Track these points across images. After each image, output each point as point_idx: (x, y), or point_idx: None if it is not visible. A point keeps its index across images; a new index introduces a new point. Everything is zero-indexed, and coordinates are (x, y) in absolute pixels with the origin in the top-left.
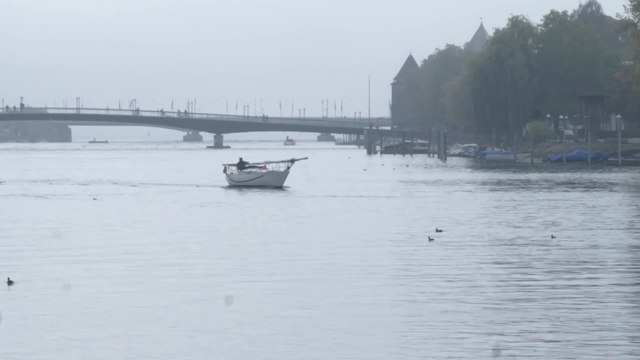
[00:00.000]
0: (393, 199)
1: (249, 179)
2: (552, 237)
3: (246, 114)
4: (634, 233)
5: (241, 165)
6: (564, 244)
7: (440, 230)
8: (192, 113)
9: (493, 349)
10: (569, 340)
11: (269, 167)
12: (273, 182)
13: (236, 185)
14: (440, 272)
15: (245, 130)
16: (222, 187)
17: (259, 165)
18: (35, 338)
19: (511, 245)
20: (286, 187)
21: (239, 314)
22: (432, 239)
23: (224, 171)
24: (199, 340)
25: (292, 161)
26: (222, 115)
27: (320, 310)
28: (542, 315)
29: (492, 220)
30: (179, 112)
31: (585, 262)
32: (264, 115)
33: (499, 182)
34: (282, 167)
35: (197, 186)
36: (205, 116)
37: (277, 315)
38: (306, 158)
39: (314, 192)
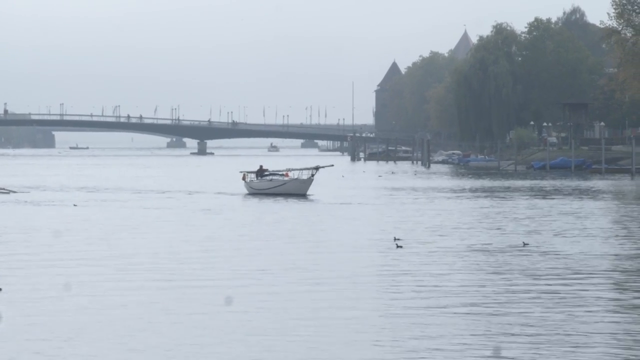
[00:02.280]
0: (374, 206)
1: (270, 186)
2: (524, 244)
3: (230, 121)
4: (609, 241)
5: (260, 172)
6: (534, 251)
7: (399, 239)
8: (147, 118)
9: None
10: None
11: (291, 174)
12: (296, 189)
13: (256, 193)
14: (404, 279)
15: (229, 137)
16: (242, 195)
17: (280, 173)
18: (14, 344)
19: (481, 252)
20: (309, 195)
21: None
22: (401, 246)
23: (243, 178)
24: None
25: (317, 168)
26: (201, 121)
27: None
28: (513, 323)
29: (466, 226)
30: (129, 116)
31: (553, 268)
32: (233, 121)
33: (480, 190)
34: (304, 175)
35: (219, 193)
36: (189, 122)
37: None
38: (332, 165)
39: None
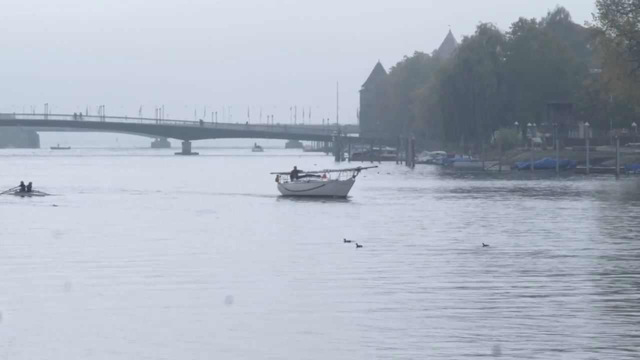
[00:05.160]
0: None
1: (308, 188)
2: (484, 245)
3: (215, 121)
4: (575, 241)
5: (295, 173)
6: (492, 252)
7: (349, 241)
8: (132, 118)
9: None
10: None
11: (329, 175)
12: (336, 191)
13: (292, 195)
14: (356, 277)
15: (214, 137)
16: (276, 197)
17: (317, 174)
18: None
19: (440, 253)
20: (350, 197)
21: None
22: (361, 246)
23: (276, 180)
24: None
25: (359, 170)
26: (185, 121)
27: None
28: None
29: (435, 227)
30: (75, 115)
31: (508, 269)
32: (200, 120)
33: (461, 190)
34: (345, 176)
35: (247, 195)
36: (174, 122)
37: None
38: (376, 166)
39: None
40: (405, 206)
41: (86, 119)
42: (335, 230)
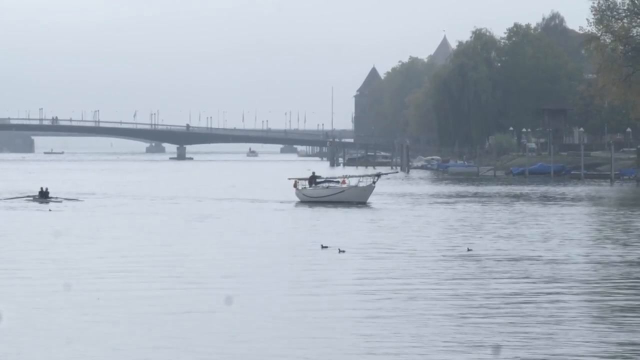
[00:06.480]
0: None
1: (327, 194)
2: (468, 250)
3: (209, 126)
4: (569, 247)
5: (313, 179)
6: (476, 257)
7: (326, 247)
8: (126, 123)
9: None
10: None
11: (348, 181)
12: (356, 197)
13: (311, 201)
14: (343, 282)
15: (209, 142)
16: (293, 203)
17: (335, 180)
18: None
19: (423, 258)
20: (370, 203)
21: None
22: (344, 251)
23: (294, 186)
24: None
25: (379, 175)
26: (180, 125)
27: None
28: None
29: (424, 232)
30: (53, 119)
31: (489, 274)
32: (187, 125)
33: (455, 195)
34: (365, 182)
35: (263, 201)
36: (166, 127)
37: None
38: (396, 172)
39: None
40: (399, 211)
41: (81, 123)
42: (322, 236)
